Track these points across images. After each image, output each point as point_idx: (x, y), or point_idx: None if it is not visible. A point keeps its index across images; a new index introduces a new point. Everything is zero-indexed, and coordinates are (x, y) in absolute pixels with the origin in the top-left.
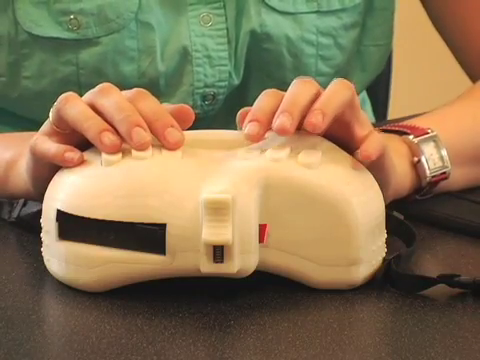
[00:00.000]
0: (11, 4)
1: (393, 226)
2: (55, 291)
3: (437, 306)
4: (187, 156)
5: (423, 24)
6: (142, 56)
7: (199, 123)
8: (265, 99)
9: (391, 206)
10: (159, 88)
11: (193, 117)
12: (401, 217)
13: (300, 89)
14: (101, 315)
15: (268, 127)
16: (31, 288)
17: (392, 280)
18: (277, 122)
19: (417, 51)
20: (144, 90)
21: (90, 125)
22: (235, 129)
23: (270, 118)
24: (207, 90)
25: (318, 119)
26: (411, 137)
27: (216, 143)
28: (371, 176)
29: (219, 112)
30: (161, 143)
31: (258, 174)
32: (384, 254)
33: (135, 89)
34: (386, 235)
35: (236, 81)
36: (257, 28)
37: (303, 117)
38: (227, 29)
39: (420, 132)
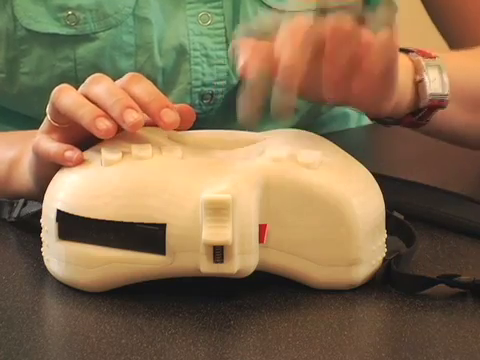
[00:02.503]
0: (10, 0)
1: (393, 226)
2: (55, 291)
3: (437, 306)
4: (187, 156)
5: (423, 24)
6: (139, 51)
7: (199, 123)
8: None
9: (391, 206)
10: (157, 85)
11: (195, 117)
12: (401, 217)
13: (291, 60)
14: (101, 315)
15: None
16: (31, 288)
17: (392, 280)
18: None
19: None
20: (138, 73)
21: (84, 112)
22: (235, 129)
23: (265, 91)
24: (205, 89)
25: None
26: (418, 57)
27: (216, 143)
28: (371, 176)
29: (218, 112)
30: (157, 124)
31: (258, 174)
32: (384, 254)
33: (129, 73)
34: (386, 235)
35: (234, 80)
36: (255, 27)
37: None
38: (225, 28)
39: (428, 55)
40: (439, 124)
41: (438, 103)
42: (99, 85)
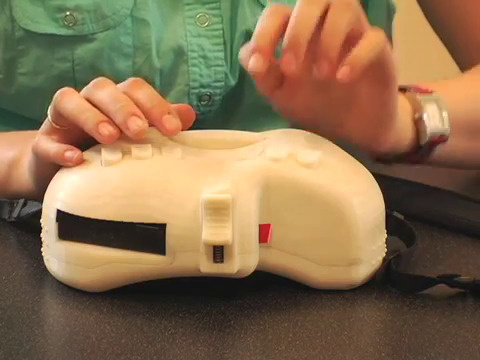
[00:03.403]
0: (8, 1)
1: (393, 226)
2: (55, 291)
3: (437, 306)
4: (187, 156)
5: (423, 24)
6: (137, 53)
7: (197, 124)
8: (268, 21)
9: (391, 206)
10: (154, 86)
11: (194, 116)
12: (401, 217)
13: (304, 13)
14: (101, 315)
15: (272, 55)
16: (31, 288)
17: (392, 280)
18: (283, 61)
19: (417, 51)
20: (140, 79)
21: (87, 117)
22: (233, 130)
23: (274, 43)
24: (203, 90)
25: (324, 69)
26: (414, 94)
27: (216, 143)
28: (371, 176)
29: (216, 114)
30: (159, 130)
31: (258, 174)
32: (384, 254)
33: (131, 78)
34: (386, 235)
35: (232, 82)
36: (252, 28)
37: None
38: (223, 29)
39: (424, 91)
40: (441, 156)
41: (439, 139)
42: (103, 90)
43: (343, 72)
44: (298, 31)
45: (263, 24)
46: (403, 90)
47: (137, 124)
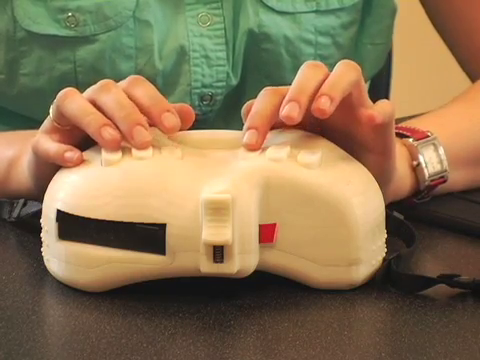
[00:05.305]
0: (10, 2)
1: (393, 226)
2: (55, 291)
3: (437, 306)
4: (187, 156)
5: (423, 24)
6: (139, 54)
7: (198, 124)
8: (264, 101)
9: (391, 206)
10: (156, 87)
11: (194, 116)
12: (401, 217)
13: (308, 75)
14: (101, 315)
15: (267, 133)
16: (31, 288)
17: (392, 280)
18: (284, 110)
19: (417, 51)
20: (140, 76)
21: (90, 120)
22: (234, 129)
23: (269, 122)
24: (205, 90)
25: (326, 104)
26: (411, 140)
27: (216, 143)
28: (371, 176)
29: (218, 113)
30: (158, 128)
31: (258, 174)
32: (384, 254)
33: (131, 76)
34: (386, 235)
35: (234, 81)
36: (255, 28)
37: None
38: (225, 29)
39: (420, 135)
40: (442, 191)
41: (438, 181)
42: (108, 94)
43: (372, 115)
44: (301, 86)
45: (259, 104)
46: (399, 136)
47: (142, 135)
